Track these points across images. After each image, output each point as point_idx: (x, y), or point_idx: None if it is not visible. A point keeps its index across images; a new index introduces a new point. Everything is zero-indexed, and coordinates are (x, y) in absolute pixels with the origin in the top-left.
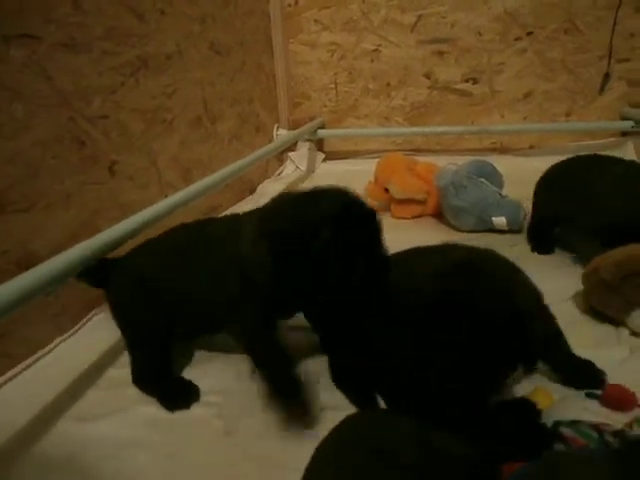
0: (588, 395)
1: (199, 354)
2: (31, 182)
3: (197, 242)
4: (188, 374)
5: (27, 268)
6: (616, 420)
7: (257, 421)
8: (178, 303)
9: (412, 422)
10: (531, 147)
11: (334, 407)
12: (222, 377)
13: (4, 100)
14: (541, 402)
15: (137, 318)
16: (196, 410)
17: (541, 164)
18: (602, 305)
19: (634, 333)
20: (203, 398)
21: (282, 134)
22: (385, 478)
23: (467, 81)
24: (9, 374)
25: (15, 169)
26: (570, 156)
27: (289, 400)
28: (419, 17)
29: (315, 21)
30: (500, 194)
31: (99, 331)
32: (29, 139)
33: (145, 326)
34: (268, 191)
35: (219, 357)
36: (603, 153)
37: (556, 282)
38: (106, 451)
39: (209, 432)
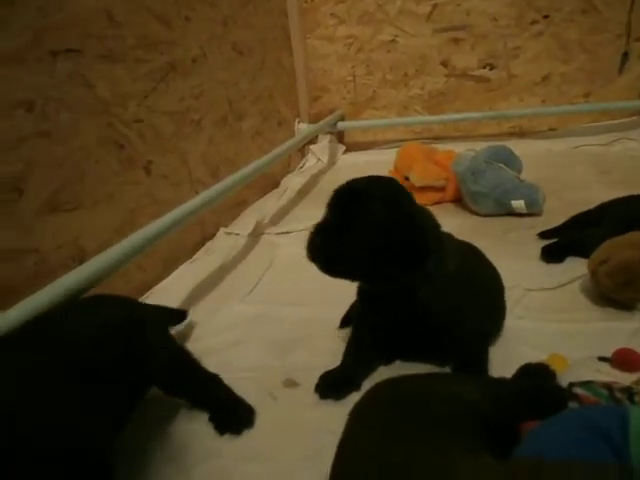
0: (600, 359)
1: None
2: (79, 184)
3: None
4: (228, 354)
5: (80, 262)
6: (625, 379)
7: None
8: None
9: (440, 380)
10: (550, 129)
11: None
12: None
13: (53, 110)
14: (556, 367)
15: None
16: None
17: (561, 146)
18: (611, 294)
19: None
20: (240, 374)
21: (303, 128)
22: (414, 430)
23: (484, 67)
24: None
25: (65, 172)
26: None
27: None
28: (434, 6)
29: (331, 15)
30: (518, 178)
31: None
32: (75, 144)
33: None
34: (291, 185)
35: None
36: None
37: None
38: None
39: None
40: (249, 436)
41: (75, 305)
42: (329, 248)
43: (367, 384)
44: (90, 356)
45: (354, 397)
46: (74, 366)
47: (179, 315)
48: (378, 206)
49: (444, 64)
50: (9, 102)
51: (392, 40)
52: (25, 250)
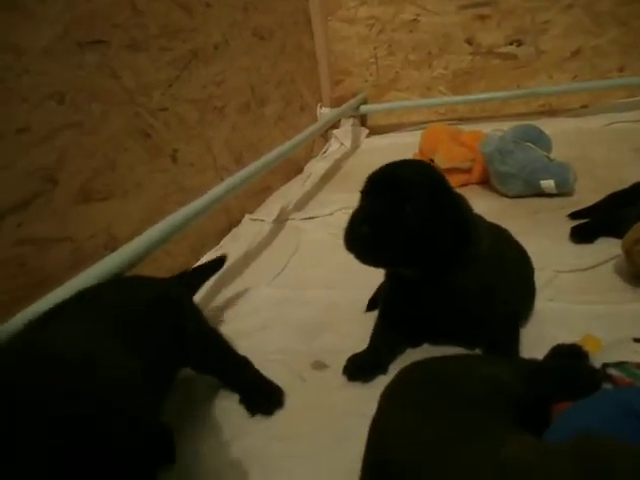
0: (635, 340)
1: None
2: (109, 173)
3: None
4: (255, 337)
5: (112, 249)
6: None
7: (323, 375)
8: None
9: (471, 361)
10: (582, 107)
11: None
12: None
13: (84, 101)
14: (590, 348)
15: None
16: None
17: (593, 123)
18: None
19: None
20: (269, 357)
21: (325, 113)
22: (448, 409)
23: (511, 43)
24: None
25: (96, 162)
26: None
27: None
28: None
29: None
30: (548, 157)
31: None
32: (105, 135)
33: None
34: (315, 170)
35: (280, 324)
36: None
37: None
38: None
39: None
40: (279, 417)
41: (112, 283)
42: (369, 237)
43: (394, 367)
44: (136, 332)
45: (382, 379)
46: (126, 341)
47: (217, 263)
48: (419, 192)
49: (469, 42)
50: (41, 94)
51: (414, 19)
52: (61, 239)
